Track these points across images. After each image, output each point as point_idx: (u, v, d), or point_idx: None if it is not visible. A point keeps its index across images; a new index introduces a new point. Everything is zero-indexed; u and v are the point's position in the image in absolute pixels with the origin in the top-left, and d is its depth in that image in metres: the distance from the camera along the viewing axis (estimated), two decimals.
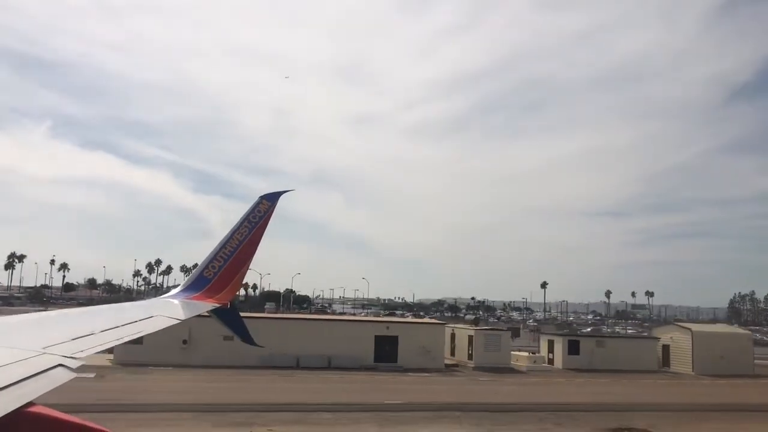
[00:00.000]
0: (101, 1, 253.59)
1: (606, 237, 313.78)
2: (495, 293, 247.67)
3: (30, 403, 3.04)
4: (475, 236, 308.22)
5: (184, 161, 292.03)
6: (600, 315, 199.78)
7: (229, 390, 32.06)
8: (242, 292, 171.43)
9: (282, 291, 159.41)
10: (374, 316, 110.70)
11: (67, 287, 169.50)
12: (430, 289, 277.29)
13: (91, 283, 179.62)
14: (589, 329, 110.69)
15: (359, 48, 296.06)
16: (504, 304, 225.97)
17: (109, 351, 41.92)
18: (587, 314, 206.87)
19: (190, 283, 9.31)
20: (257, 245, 9.45)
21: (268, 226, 9.54)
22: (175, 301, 8.51)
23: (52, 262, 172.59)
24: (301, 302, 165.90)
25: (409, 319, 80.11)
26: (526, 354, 50.93)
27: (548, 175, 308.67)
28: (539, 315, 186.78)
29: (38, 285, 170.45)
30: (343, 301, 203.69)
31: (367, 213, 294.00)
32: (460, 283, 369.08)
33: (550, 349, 52.60)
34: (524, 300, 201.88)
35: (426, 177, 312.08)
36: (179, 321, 7.16)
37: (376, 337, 45.33)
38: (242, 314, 11.05)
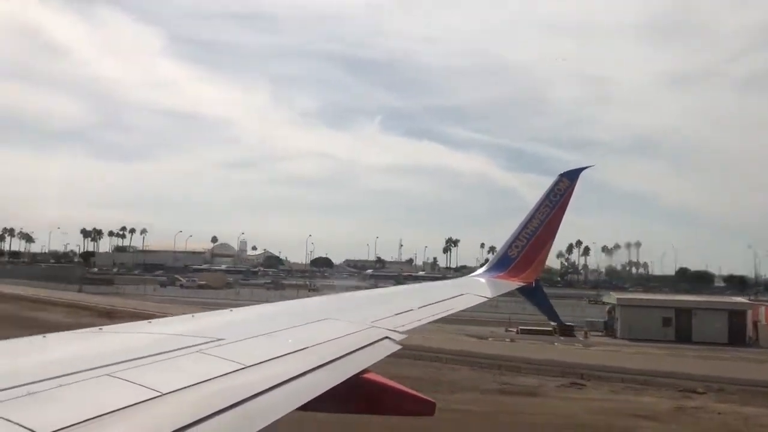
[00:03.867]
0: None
1: None
2: None
3: (365, 370, 3.53)
4: None
5: (497, 141, 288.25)
6: None
7: None
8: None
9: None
10: None
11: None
12: None
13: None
14: None
15: (674, 2, 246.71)
16: None
17: None
18: None
19: (496, 262, 9.71)
20: (559, 224, 9.47)
21: (569, 203, 9.48)
22: (482, 280, 8.94)
23: (482, 245, 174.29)
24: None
25: None
26: None
27: None
28: None
29: (459, 266, 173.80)
30: None
31: (696, 180, 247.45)
32: None
33: None
34: None
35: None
36: (487, 299, 7.69)
37: None
38: None
